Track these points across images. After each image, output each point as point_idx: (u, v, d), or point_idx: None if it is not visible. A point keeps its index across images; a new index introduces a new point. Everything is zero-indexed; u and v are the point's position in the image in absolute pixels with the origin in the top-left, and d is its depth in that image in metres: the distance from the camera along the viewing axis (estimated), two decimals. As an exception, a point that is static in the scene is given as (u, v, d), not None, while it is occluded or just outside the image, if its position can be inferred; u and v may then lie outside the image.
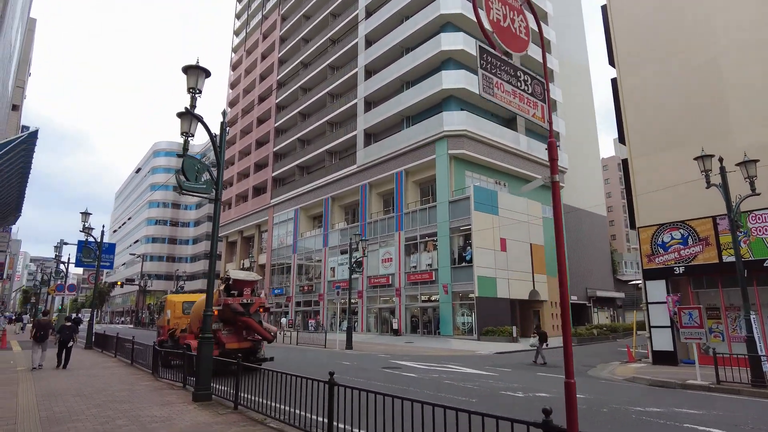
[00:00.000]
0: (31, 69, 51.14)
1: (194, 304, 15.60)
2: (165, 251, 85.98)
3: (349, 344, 23.49)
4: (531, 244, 35.80)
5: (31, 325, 39.58)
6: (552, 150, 3.81)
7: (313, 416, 6.70)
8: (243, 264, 43.02)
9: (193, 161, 9.52)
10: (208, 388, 8.92)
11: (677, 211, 18.32)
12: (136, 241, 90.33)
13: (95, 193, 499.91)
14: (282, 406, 7.29)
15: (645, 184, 19.63)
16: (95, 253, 23.03)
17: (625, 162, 20.93)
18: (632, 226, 20.56)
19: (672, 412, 8.78)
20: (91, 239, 23.59)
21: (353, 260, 25.11)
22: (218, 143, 10.01)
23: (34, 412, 7.87)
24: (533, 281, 35.42)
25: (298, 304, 46.54)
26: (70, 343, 14.52)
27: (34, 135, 21.84)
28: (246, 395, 8.24)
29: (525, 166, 39.16)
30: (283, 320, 44.73)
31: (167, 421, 7.34)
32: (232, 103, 69.44)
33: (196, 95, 9.23)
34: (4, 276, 57.67)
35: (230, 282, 13.84)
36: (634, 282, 58.04)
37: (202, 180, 9.50)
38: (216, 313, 12.74)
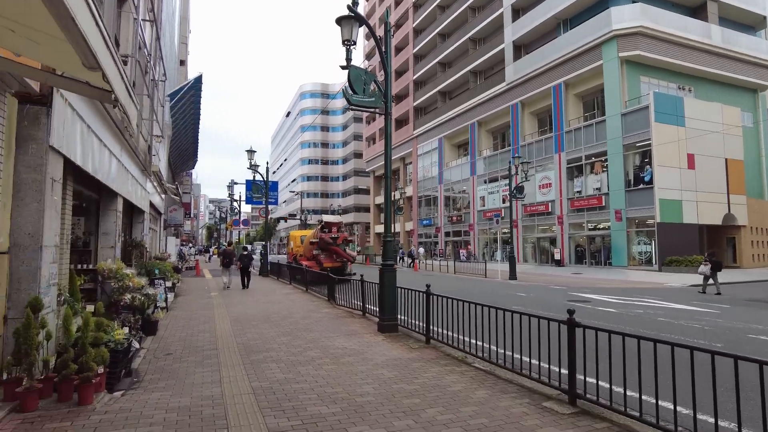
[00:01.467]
0: (190, 26, 55.33)
1: (306, 237, 22.23)
2: (319, 188, 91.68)
3: (512, 274, 22.01)
4: (726, 159, 29.74)
5: (216, 255, 45.36)
6: None
7: (529, 360, 5.45)
8: (393, 196, 43.16)
9: (359, 71, 8.36)
10: (395, 318, 8.19)
11: None
12: (293, 180, 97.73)
13: (252, 140, 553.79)
14: (480, 343, 6.18)
15: None
16: (262, 189, 24.34)
17: None
18: None
19: None
20: (258, 177, 25.02)
21: (513, 187, 22.99)
22: (384, 48, 8.68)
23: (231, 339, 7.86)
24: (728, 203, 29.72)
25: (447, 234, 46.04)
26: (250, 269, 17.73)
27: (199, 80, 23.16)
28: (436, 328, 7.32)
29: (718, 65, 32.05)
30: (421, 250, 44.15)
31: (360, 355, 6.69)
32: (368, 36, 68.46)
33: (358, -10, 7.89)
34: (191, 215, 66.75)
35: (323, 223, 20.37)
36: None
37: (370, 92, 8.33)
38: (315, 243, 19.81)
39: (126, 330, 5.81)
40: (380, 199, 65.61)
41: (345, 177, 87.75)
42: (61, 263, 6.18)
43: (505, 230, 38.99)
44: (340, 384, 5.30)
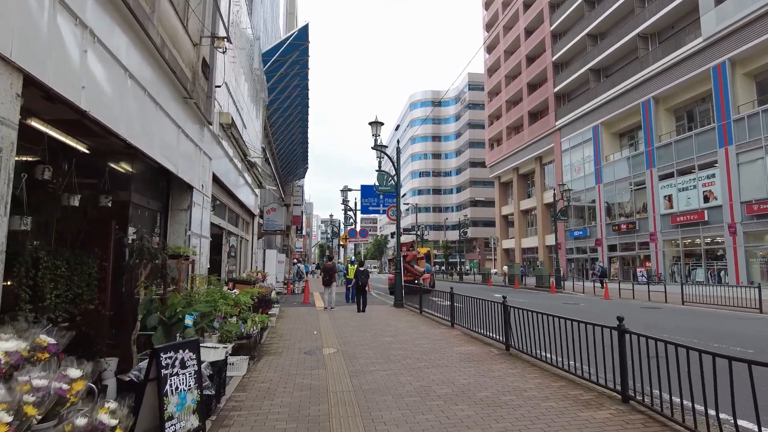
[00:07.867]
0: (298, 23, 51.68)
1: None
2: (431, 202, 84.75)
3: (828, 309, 12.47)
4: None
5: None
6: None
7: None
8: (553, 196, 33.44)
9: None
10: None
11: None
12: (404, 195, 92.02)
13: (359, 161, 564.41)
14: None
15: None
16: (389, 179, 17.39)
17: None
18: None
19: None
20: (383, 170, 18.24)
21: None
22: None
23: None
24: None
25: (611, 248, 35.87)
26: (366, 287, 14.57)
27: (303, 34, 16.91)
28: None
29: None
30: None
31: None
32: (488, 25, 60.63)
33: None
34: (304, 232, 62.98)
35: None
36: None
37: None
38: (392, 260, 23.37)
39: None
40: (508, 209, 56.50)
41: (459, 189, 79.77)
42: None
43: (708, 239, 28.36)
44: None
